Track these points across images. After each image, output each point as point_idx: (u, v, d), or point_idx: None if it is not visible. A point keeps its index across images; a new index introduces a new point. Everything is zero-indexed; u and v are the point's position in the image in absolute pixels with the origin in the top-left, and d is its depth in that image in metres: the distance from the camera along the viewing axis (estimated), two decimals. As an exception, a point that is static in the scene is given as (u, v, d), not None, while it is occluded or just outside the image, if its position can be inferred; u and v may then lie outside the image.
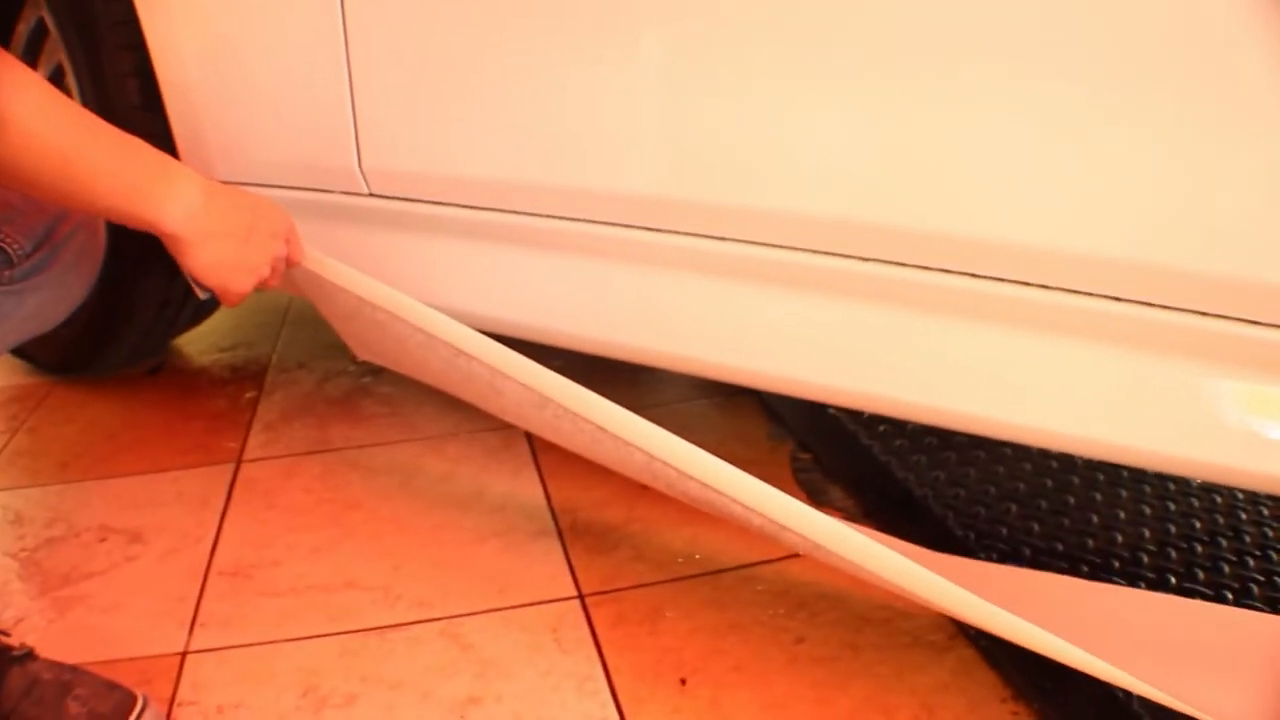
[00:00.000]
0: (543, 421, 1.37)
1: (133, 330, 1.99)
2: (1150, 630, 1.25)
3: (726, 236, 1.25)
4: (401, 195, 1.48)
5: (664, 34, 1.20)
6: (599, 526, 1.56)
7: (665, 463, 1.24)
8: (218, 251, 1.29)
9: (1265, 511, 1.54)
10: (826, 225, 1.17)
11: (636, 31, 1.22)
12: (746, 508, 1.18)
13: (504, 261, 1.44)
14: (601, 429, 1.28)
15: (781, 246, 1.22)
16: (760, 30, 1.13)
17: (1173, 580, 1.38)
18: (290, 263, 1.42)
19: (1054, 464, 1.65)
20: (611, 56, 1.24)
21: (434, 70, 1.38)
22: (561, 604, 1.39)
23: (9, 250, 1.28)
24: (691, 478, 1.22)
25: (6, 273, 1.29)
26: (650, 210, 1.30)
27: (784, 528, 1.15)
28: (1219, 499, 1.56)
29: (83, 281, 1.40)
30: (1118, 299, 1.03)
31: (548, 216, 1.37)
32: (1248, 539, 1.47)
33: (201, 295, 1.36)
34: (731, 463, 1.65)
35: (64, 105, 1.18)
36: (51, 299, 1.38)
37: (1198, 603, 1.33)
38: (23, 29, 1.95)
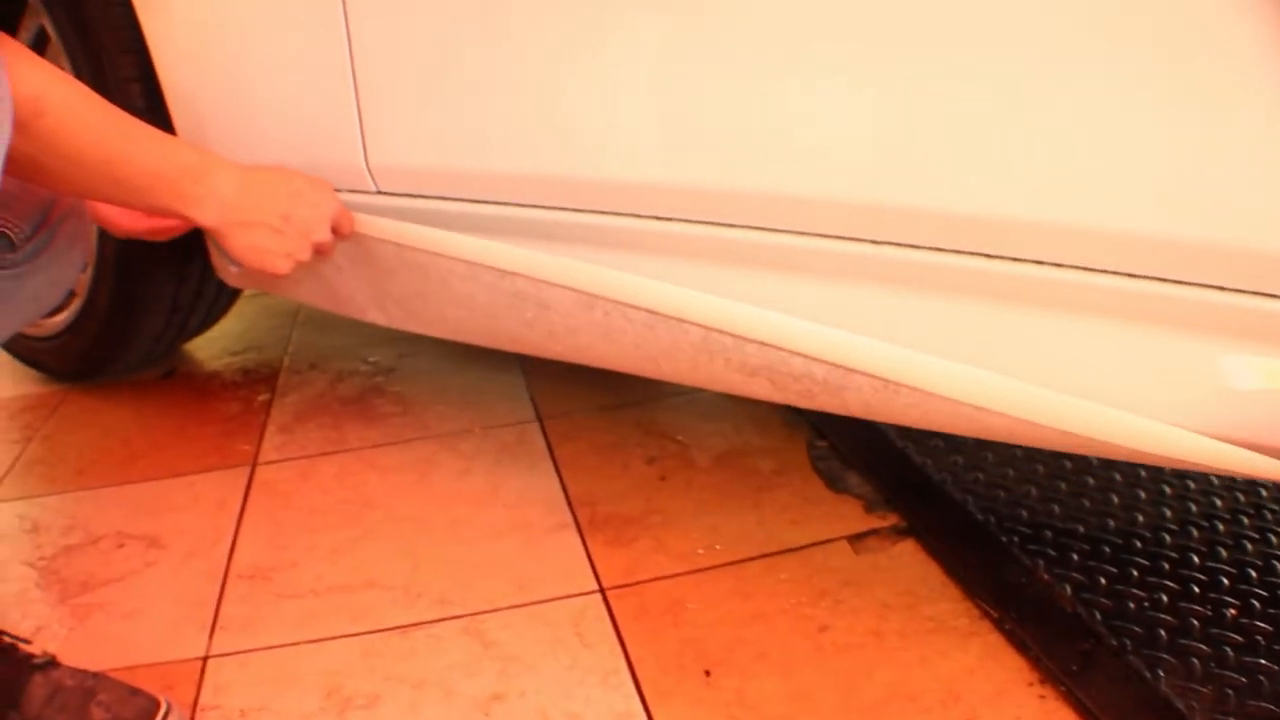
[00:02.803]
0: (590, 331, 1.36)
1: (144, 336, 1.98)
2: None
3: (735, 223, 1.24)
4: (409, 192, 1.47)
5: (678, 18, 1.18)
6: (618, 519, 1.55)
7: (722, 330, 1.23)
8: (250, 239, 1.38)
9: (1287, 487, 1.53)
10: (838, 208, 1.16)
11: (647, 16, 1.21)
12: (809, 358, 1.18)
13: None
14: (653, 313, 1.27)
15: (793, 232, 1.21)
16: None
17: (1195, 559, 1.37)
18: (340, 236, 1.48)
19: (1072, 445, 1.64)
20: (620, 45, 1.23)
21: (438, 62, 1.37)
22: (583, 598, 1.39)
23: (10, 234, 1.31)
24: (749, 339, 1.22)
25: (9, 256, 1.31)
26: (644, 199, 1.29)
27: (851, 370, 1.15)
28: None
29: (75, 264, 1.44)
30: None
31: (559, 209, 1.36)
32: (1269, 515, 1.46)
33: (234, 269, 1.42)
34: (748, 452, 1.66)
35: (101, 102, 1.23)
36: (48, 282, 1.40)
37: None
38: (24, 38, 1.94)
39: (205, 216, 1.34)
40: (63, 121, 1.18)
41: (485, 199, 1.42)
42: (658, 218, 1.29)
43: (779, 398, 1.27)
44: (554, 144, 1.32)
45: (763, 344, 1.21)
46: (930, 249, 1.11)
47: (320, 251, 1.46)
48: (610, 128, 1.28)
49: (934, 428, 1.22)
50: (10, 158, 1.13)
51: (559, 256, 1.35)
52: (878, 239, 1.14)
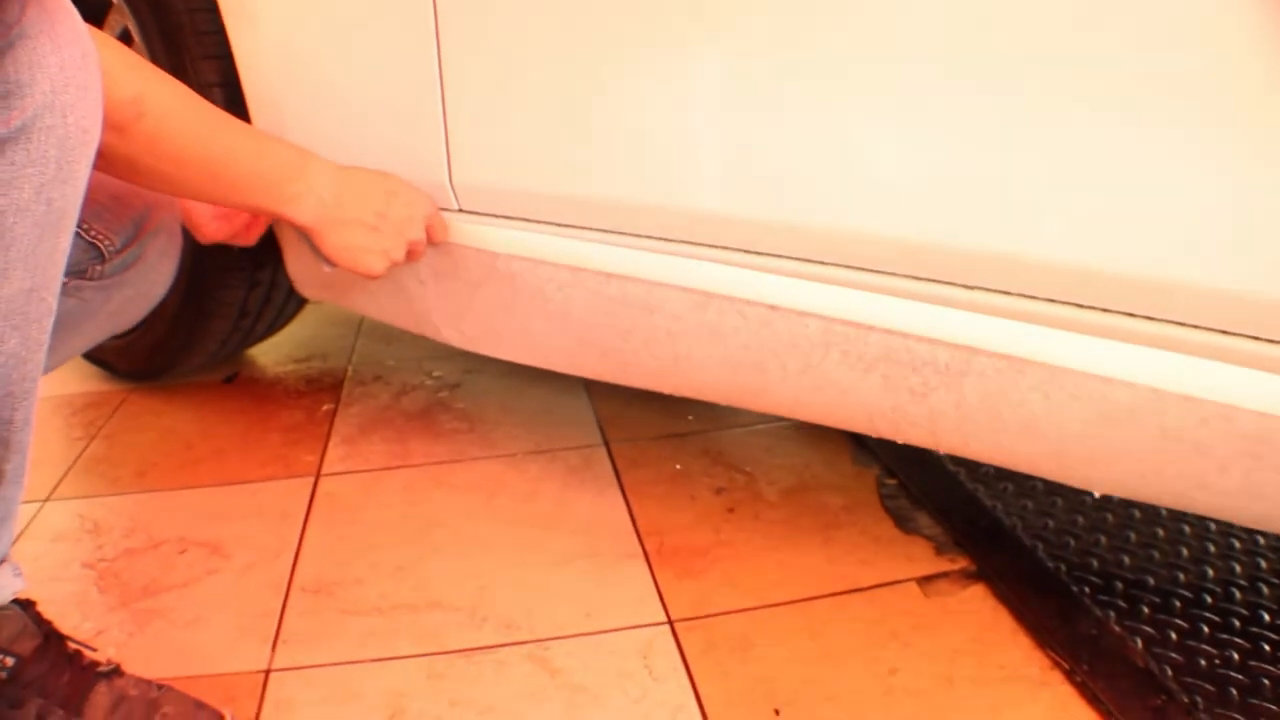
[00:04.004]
0: (696, 334, 1.35)
1: (211, 339, 1.99)
2: None
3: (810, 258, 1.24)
4: (493, 212, 1.47)
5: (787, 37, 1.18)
6: (686, 550, 1.54)
7: (845, 321, 1.23)
8: (346, 237, 1.39)
9: (1360, 546, 1.51)
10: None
11: (746, 37, 1.20)
12: (934, 342, 1.18)
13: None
14: (773, 308, 1.27)
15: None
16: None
17: (1266, 617, 1.35)
18: (433, 241, 1.49)
19: (1144, 494, 1.62)
20: (703, 78, 1.23)
21: (527, 81, 1.37)
22: (651, 629, 1.37)
23: (101, 246, 1.31)
24: (874, 328, 1.21)
25: (98, 268, 1.32)
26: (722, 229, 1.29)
27: (976, 351, 1.15)
28: (1311, 532, 1.54)
29: (163, 280, 1.44)
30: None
31: (648, 237, 1.35)
32: (1341, 574, 1.45)
33: (327, 269, 1.43)
34: (817, 487, 1.65)
35: (200, 102, 1.25)
36: (134, 295, 1.40)
37: None
38: (107, 39, 1.95)
39: (303, 214, 1.35)
40: (162, 123, 1.18)
41: (566, 223, 1.41)
42: (744, 250, 1.29)
43: (884, 407, 1.27)
44: (643, 172, 1.32)
45: (888, 331, 1.21)
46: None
47: (413, 254, 1.47)
48: (691, 158, 1.27)
49: (1029, 460, 1.22)
50: (108, 157, 1.14)
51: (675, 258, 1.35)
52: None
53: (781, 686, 1.26)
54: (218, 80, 1.70)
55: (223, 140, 1.28)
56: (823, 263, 1.23)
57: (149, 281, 1.41)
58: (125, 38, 1.89)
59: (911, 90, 1.11)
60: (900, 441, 1.31)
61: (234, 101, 1.68)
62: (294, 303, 2.09)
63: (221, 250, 1.70)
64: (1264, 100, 0.93)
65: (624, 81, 1.29)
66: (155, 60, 1.77)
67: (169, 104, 1.20)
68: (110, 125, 1.10)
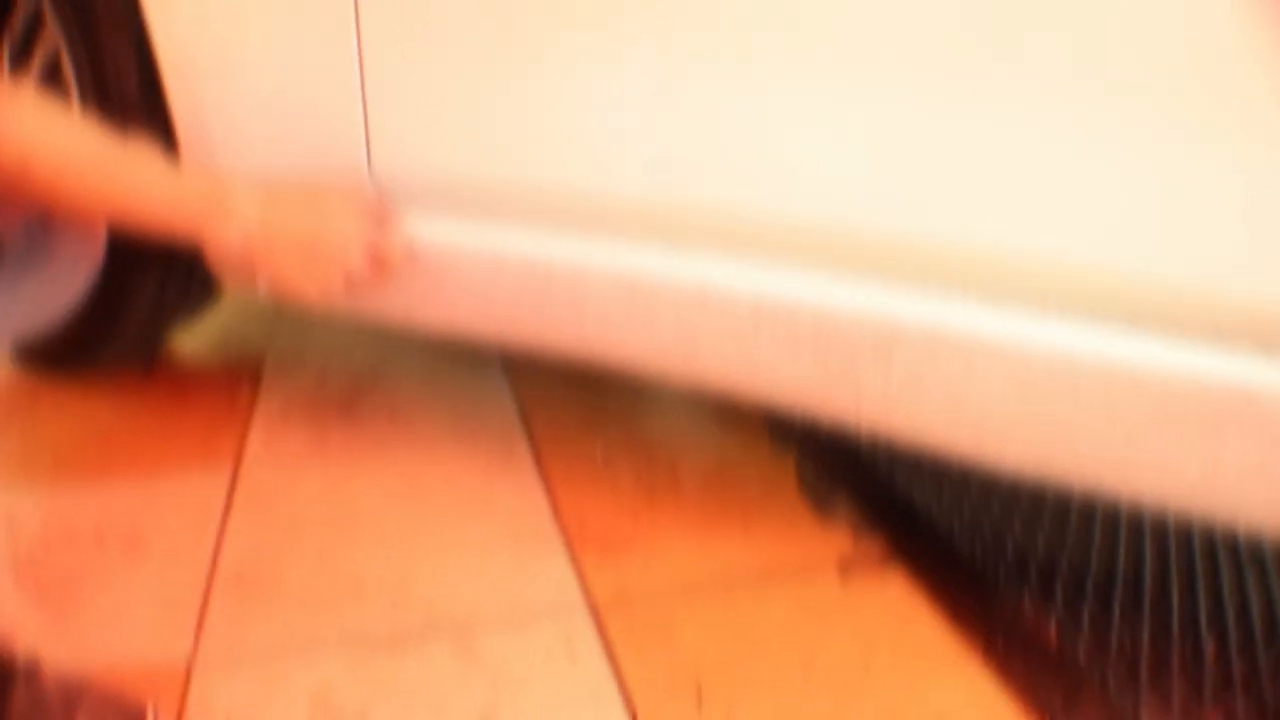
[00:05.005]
0: (630, 317, 1.36)
1: (128, 327, 1.96)
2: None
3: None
4: (414, 196, 1.46)
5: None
6: (607, 535, 1.55)
7: (775, 300, 1.24)
8: (282, 263, 1.36)
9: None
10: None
11: (668, 20, 1.20)
12: (861, 318, 1.19)
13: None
14: (703, 289, 1.28)
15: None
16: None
17: (1174, 597, 1.38)
18: (382, 267, 1.45)
19: (1056, 478, 1.65)
20: (641, 57, 1.23)
21: (451, 59, 1.36)
22: (572, 614, 1.38)
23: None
24: (803, 307, 1.23)
25: None
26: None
27: (901, 326, 1.17)
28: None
29: (79, 275, 1.42)
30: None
31: (574, 221, 1.35)
32: (1244, 555, 1.47)
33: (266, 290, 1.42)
34: (736, 472, 1.66)
35: (94, 147, 1.23)
36: (48, 291, 1.38)
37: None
38: (19, 17, 1.92)
39: (230, 240, 1.32)
40: (54, 180, 1.18)
41: (492, 205, 1.40)
42: (671, 232, 1.29)
43: (812, 384, 1.27)
44: (567, 154, 1.32)
45: (817, 309, 1.22)
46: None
47: (356, 282, 1.44)
48: (614, 135, 1.28)
49: (949, 437, 1.23)
50: (27, 194, 1.15)
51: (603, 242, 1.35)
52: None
53: (703, 668, 1.28)
54: (133, 60, 1.67)
55: (125, 180, 1.25)
56: (751, 243, 1.24)
57: (63, 276, 1.39)
58: (37, 18, 1.87)
59: (832, 72, 1.12)
60: (826, 418, 1.32)
61: (149, 82, 1.65)
62: (212, 290, 2.07)
63: (137, 237, 1.68)
64: (1163, 87, 0.95)
65: (547, 59, 1.29)
66: (70, 41, 1.74)
67: (56, 164, 1.19)
68: (7, 176, 1.11)
